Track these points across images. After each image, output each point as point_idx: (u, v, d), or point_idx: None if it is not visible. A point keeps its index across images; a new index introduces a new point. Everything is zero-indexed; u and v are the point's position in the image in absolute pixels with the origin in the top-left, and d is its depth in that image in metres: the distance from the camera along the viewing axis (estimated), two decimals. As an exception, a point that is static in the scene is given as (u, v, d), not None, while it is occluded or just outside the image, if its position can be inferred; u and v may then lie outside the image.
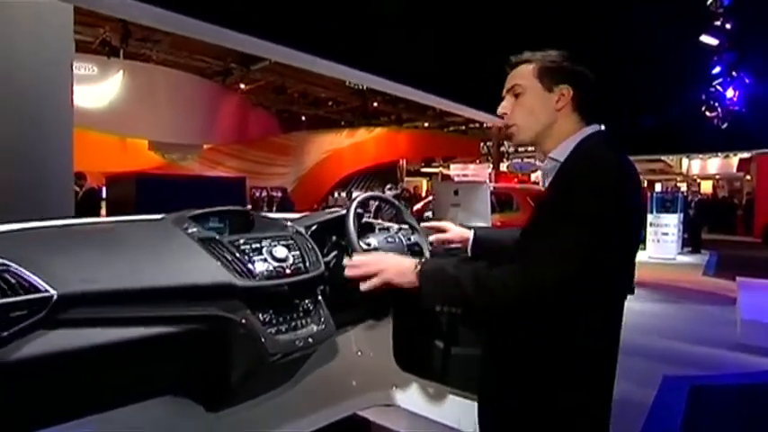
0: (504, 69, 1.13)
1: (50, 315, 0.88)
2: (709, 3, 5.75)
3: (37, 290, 0.88)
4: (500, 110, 1.10)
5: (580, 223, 0.90)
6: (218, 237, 1.18)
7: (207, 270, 1.09)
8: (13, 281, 0.87)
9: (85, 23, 10.54)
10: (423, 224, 1.55)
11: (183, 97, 14.50)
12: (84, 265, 0.98)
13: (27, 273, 0.89)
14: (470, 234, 1.35)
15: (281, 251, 1.21)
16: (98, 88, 13.20)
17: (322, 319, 1.26)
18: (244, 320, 1.10)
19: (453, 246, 1.40)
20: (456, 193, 3.32)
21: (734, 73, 7.14)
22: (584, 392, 0.98)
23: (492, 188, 5.04)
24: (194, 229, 1.19)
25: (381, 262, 1.08)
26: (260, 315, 1.14)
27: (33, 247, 0.99)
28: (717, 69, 7.17)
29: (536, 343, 0.98)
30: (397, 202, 1.61)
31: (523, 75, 1.06)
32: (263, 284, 1.14)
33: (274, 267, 1.18)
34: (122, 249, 1.07)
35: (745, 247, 11.36)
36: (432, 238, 1.44)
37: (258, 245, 1.21)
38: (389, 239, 1.51)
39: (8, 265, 0.89)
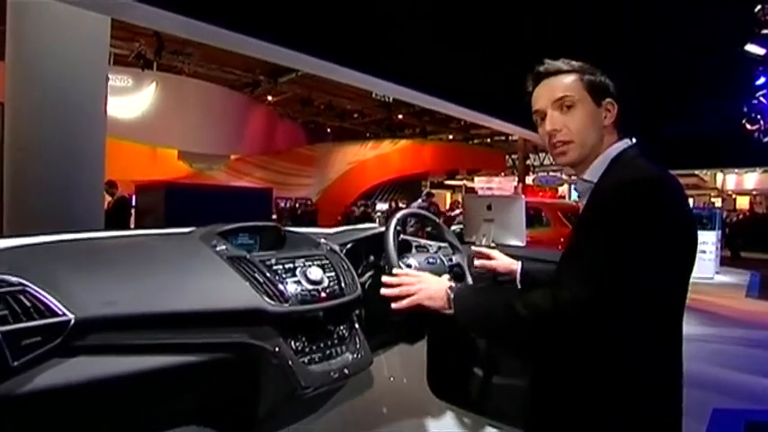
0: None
1: (67, 342, 0.80)
2: (756, 10, 5.49)
3: (54, 313, 0.80)
4: (551, 125, 0.95)
5: (610, 240, 0.82)
6: (248, 255, 1.08)
7: (236, 292, 1.00)
8: (28, 303, 0.79)
9: (122, 38, 10.91)
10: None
11: (212, 108, 14.81)
12: (105, 285, 0.89)
13: (44, 294, 0.81)
14: (518, 266, 1.27)
15: (315, 272, 1.11)
16: (132, 99, 13.63)
17: (358, 347, 1.15)
18: (277, 349, 1.00)
19: (499, 274, 1.31)
20: (489, 207, 3.12)
21: (779, 84, 6.79)
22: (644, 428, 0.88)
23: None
24: (223, 247, 1.10)
25: (419, 282, 1.03)
26: (292, 343, 1.04)
27: (52, 263, 0.91)
28: (761, 80, 6.83)
29: (587, 374, 0.89)
30: (439, 221, 1.49)
31: (571, 86, 0.95)
32: (296, 309, 1.03)
33: (308, 290, 1.07)
34: (146, 267, 0.99)
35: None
36: (477, 263, 1.34)
37: (291, 264, 1.11)
38: (431, 260, 1.39)
39: (25, 285, 0.81)
